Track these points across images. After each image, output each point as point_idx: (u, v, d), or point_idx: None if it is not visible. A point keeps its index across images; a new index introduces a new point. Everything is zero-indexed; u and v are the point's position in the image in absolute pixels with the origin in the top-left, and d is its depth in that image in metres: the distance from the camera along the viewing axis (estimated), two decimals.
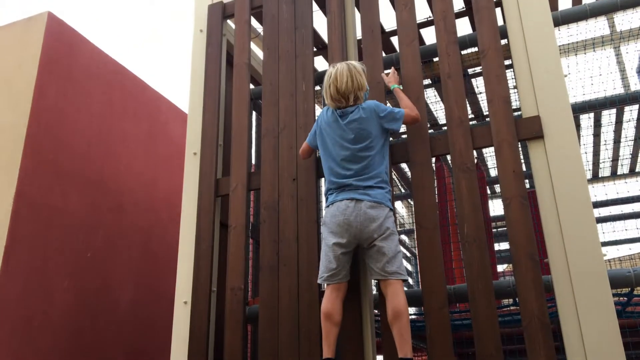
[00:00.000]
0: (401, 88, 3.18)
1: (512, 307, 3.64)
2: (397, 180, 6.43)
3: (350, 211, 2.71)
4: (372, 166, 2.82)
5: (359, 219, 2.69)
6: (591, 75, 4.75)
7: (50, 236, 3.90)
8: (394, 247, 2.71)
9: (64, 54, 4.29)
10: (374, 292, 3.15)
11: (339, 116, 2.91)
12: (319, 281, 2.83)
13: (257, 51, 4.48)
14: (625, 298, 3.33)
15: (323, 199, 4.22)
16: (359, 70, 2.92)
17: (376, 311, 3.08)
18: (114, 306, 4.37)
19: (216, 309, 3.40)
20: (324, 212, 2.91)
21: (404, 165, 5.91)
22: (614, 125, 5.45)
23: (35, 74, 3.99)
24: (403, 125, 2.96)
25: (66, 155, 4.14)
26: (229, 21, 4.13)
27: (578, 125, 5.29)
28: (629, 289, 3.10)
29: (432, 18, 3.84)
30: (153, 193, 5.03)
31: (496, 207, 6.96)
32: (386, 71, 3.34)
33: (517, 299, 2.79)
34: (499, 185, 3.13)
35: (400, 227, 7.11)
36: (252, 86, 3.98)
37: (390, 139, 3.07)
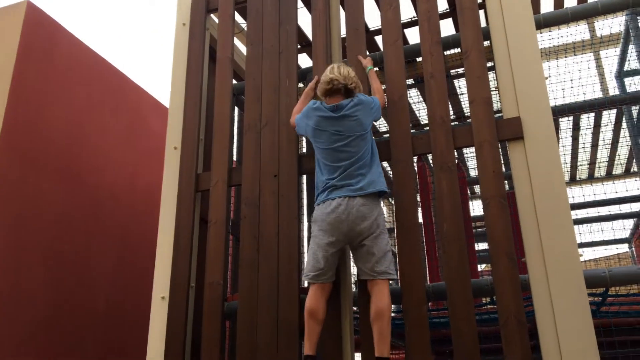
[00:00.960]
0: (376, 69, 3.25)
1: (489, 306, 3.67)
2: None
3: (342, 209, 2.69)
4: (365, 158, 2.81)
5: (350, 217, 2.67)
6: (571, 79, 4.82)
7: (24, 228, 3.83)
8: (384, 246, 2.71)
9: (43, 45, 4.22)
10: (354, 289, 3.15)
11: (332, 110, 2.90)
12: (304, 279, 2.81)
13: (241, 46, 4.45)
14: (600, 298, 3.38)
15: (305, 195, 4.22)
16: (351, 70, 3.01)
17: (355, 308, 3.09)
18: (90, 302, 4.31)
19: (194, 304, 3.37)
20: (306, 210, 2.90)
21: (385, 164, 5.93)
22: (592, 129, 5.52)
23: (13, 64, 3.92)
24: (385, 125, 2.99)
25: (43, 148, 4.07)
26: (212, 15, 4.10)
27: (557, 128, 5.36)
28: (604, 288, 3.14)
29: (416, 18, 3.85)
30: (132, 187, 4.98)
31: (476, 208, 7.02)
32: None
33: (494, 298, 2.81)
34: (478, 186, 3.15)
35: None
36: (234, 81, 3.95)
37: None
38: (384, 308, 2.59)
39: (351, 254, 2.90)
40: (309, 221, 3.77)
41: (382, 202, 2.84)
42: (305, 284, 3.49)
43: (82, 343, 4.17)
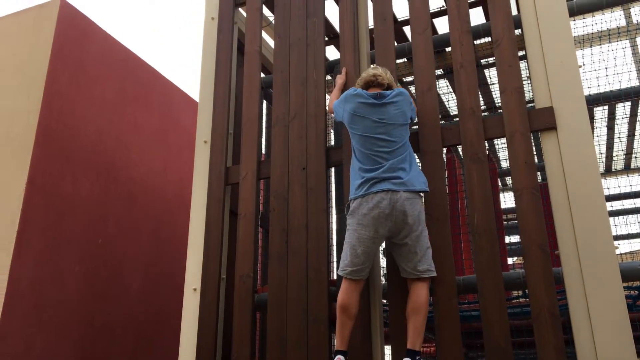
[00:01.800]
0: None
1: (521, 299, 3.62)
2: None
3: (386, 204, 2.61)
4: (406, 152, 2.77)
5: (394, 213, 2.61)
6: (606, 67, 4.69)
7: (61, 223, 3.93)
8: (425, 244, 2.68)
9: (76, 41, 4.30)
10: (383, 282, 3.14)
11: (375, 97, 2.85)
12: (340, 273, 2.74)
13: (268, 39, 4.47)
14: (637, 291, 3.30)
15: (333, 188, 4.22)
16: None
17: (384, 301, 3.08)
18: (124, 293, 4.41)
19: (225, 296, 3.41)
20: (334, 202, 2.88)
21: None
22: (628, 118, 5.37)
23: (48, 61, 4.01)
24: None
25: (77, 143, 4.16)
26: (240, 9, 4.12)
27: (592, 118, 5.23)
28: None
29: (445, 7, 3.80)
30: (163, 181, 5.05)
31: (507, 200, 6.91)
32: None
33: (526, 291, 2.77)
34: (509, 177, 3.10)
35: None
36: (262, 75, 3.97)
37: None
38: (423, 304, 2.59)
39: (384, 247, 2.87)
40: (337, 214, 3.77)
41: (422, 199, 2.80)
42: (335, 276, 3.50)
43: (116, 333, 4.26)
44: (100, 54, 4.53)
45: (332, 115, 3.11)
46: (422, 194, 2.79)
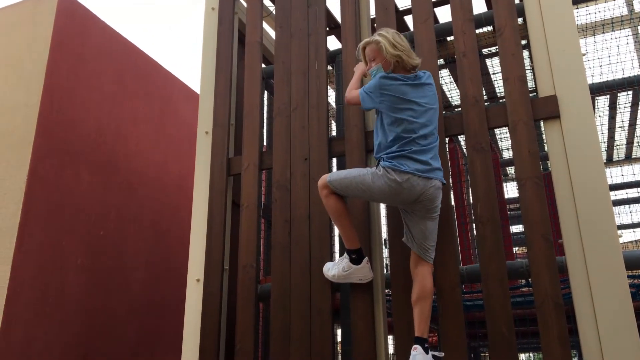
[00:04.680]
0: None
1: (524, 289, 3.63)
2: None
3: (420, 189, 2.56)
4: (436, 138, 2.72)
5: (424, 197, 2.59)
6: (609, 55, 4.66)
7: (63, 215, 3.93)
8: (437, 231, 2.73)
9: (75, 33, 4.28)
10: (386, 272, 3.14)
11: (412, 79, 2.72)
12: (329, 182, 2.75)
13: (269, 30, 4.44)
14: None
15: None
16: None
17: (388, 290, 3.08)
18: (126, 285, 4.41)
19: (228, 287, 3.41)
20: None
21: None
22: (630, 107, 5.36)
23: (47, 52, 3.99)
24: None
25: (77, 136, 4.15)
26: None
27: (594, 107, 5.21)
28: None
29: None
30: (164, 173, 5.05)
31: (509, 190, 6.91)
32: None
33: (530, 280, 2.77)
34: (512, 167, 3.09)
35: None
36: (263, 65, 3.95)
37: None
38: (430, 290, 2.61)
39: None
40: None
41: None
42: None
43: (118, 326, 4.27)
44: (99, 45, 4.51)
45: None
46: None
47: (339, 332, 3.78)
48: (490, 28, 3.81)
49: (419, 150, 2.60)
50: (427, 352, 2.49)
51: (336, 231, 3.84)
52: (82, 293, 3.98)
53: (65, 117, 4.06)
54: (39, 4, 4.20)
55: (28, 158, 3.73)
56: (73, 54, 4.21)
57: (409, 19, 4.34)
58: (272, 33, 4.36)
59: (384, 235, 3.21)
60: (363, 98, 2.77)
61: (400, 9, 4.23)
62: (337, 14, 4.12)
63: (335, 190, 2.74)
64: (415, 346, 2.51)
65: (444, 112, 3.15)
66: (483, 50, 4.37)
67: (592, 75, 4.69)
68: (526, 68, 3.06)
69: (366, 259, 2.83)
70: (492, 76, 4.80)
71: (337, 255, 3.90)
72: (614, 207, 2.79)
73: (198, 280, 3.38)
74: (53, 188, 3.87)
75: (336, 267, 2.88)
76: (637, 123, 5.75)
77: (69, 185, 4.01)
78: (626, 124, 5.73)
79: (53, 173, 3.89)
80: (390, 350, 3.28)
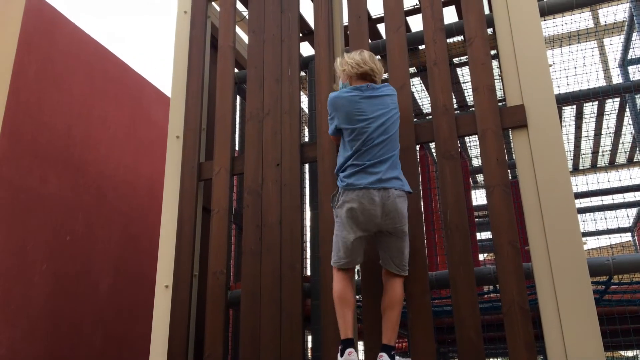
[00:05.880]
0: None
1: (492, 295, 3.68)
2: None
3: (377, 202, 2.55)
4: (394, 148, 2.69)
5: (386, 209, 2.56)
6: (575, 67, 4.79)
7: (29, 219, 3.84)
8: (407, 242, 2.68)
9: (44, 33, 4.20)
10: (357, 277, 3.15)
11: (363, 90, 2.73)
12: (332, 264, 2.70)
13: (242, 35, 4.43)
14: (604, 286, 3.38)
15: (307, 184, 4.21)
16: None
17: (358, 296, 3.09)
18: (93, 291, 4.33)
19: (198, 293, 3.38)
20: (308, 199, 2.84)
21: None
22: (595, 117, 5.50)
23: (14, 52, 3.90)
24: None
25: (45, 138, 4.06)
26: (213, 3, 4.07)
27: (561, 117, 5.33)
28: (607, 277, 3.14)
29: (419, 5, 3.82)
30: (134, 177, 4.98)
31: (477, 198, 7.01)
32: None
33: (497, 286, 2.81)
34: (481, 175, 3.13)
35: None
36: (236, 70, 3.94)
37: None
38: (398, 299, 2.60)
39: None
40: (312, 210, 3.76)
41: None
42: (309, 272, 3.50)
43: (85, 332, 4.18)
44: (68, 46, 4.43)
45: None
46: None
47: (309, 338, 3.77)
48: (460, 38, 3.87)
49: (374, 164, 2.61)
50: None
51: (307, 237, 3.85)
52: (47, 299, 3.89)
53: (33, 119, 3.97)
54: (6, 4, 4.11)
55: None
56: (41, 55, 4.13)
57: (381, 27, 4.38)
58: (245, 38, 4.35)
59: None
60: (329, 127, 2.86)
61: (373, 17, 4.27)
62: (310, 20, 4.13)
63: (336, 264, 2.67)
64: (381, 354, 2.50)
65: (414, 119, 3.17)
66: (454, 59, 4.44)
67: (558, 86, 4.80)
68: (495, 78, 3.12)
69: (349, 350, 2.50)
70: (462, 85, 4.87)
71: (308, 261, 3.89)
72: (579, 215, 2.85)
73: (167, 286, 3.33)
74: (18, 191, 3.78)
75: None
76: (602, 133, 5.90)
77: (36, 189, 3.92)
78: (591, 133, 5.87)
79: (18, 176, 3.80)
80: (361, 356, 3.29)
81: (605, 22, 5.18)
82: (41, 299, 3.85)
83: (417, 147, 3.20)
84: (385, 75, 4.54)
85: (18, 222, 3.75)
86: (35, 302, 3.80)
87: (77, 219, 4.25)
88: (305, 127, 4.94)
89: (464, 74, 4.77)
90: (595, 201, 6.72)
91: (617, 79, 5.46)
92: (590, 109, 5.36)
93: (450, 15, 4.02)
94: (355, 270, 2.93)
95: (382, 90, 2.77)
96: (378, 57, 2.94)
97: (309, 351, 3.75)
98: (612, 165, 6.71)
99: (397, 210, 2.58)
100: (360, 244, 2.66)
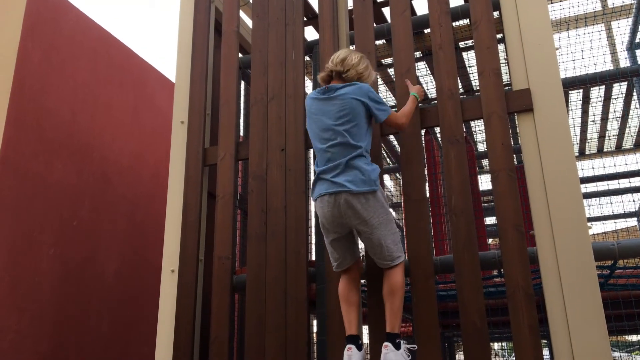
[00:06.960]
0: (419, 100, 2.94)
1: (497, 279, 3.68)
2: (385, 154, 6.42)
3: (332, 206, 2.55)
4: (351, 146, 2.59)
5: (342, 211, 2.54)
6: (582, 50, 4.74)
7: (35, 204, 3.86)
8: (385, 233, 2.57)
9: (48, 19, 4.18)
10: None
11: (323, 92, 2.72)
12: (335, 269, 2.76)
13: (246, 19, 4.40)
14: (608, 271, 3.38)
15: (312, 169, 4.21)
16: (360, 59, 2.78)
17: (363, 281, 3.10)
18: (99, 276, 4.36)
19: (204, 277, 3.40)
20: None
21: (392, 138, 5.90)
22: (602, 101, 5.45)
23: (18, 39, 3.89)
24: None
25: (50, 123, 4.07)
26: None
27: (567, 101, 5.29)
28: (612, 261, 3.14)
29: None
30: (139, 162, 4.99)
31: (483, 183, 7.00)
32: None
33: (502, 271, 2.81)
34: (486, 160, 3.12)
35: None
36: (240, 54, 3.92)
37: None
38: (397, 287, 2.57)
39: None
40: None
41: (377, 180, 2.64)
42: (314, 257, 3.51)
43: (92, 316, 4.23)
44: (73, 32, 4.42)
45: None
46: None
47: (314, 322, 3.79)
48: (466, 21, 3.84)
49: (324, 170, 2.61)
50: (398, 348, 2.47)
51: (312, 222, 3.86)
52: (54, 284, 3.92)
53: (38, 105, 3.97)
54: None
55: None
56: (45, 41, 4.12)
57: (386, 11, 4.35)
58: (249, 22, 4.32)
59: None
60: None
61: (378, 1, 4.23)
62: (314, 4, 4.10)
63: (336, 267, 2.74)
64: (385, 344, 2.48)
65: (420, 104, 3.15)
66: (459, 43, 4.40)
67: (565, 70, 4.76)
68: (501, 61, 3.09)
69: (348, 346, 2.57)
70: (467, 69, 4.84)
71: (313, 246, 3.90)
72: (584, 200, 2.85)
73: (173, 271, 3.36)
74: (25, 176, 3.80)
75: None
76: (609, 117, 5.86)
77: (42, 175, 3.94)
78: (598, 118, 5.83)
79: (24, 162, 3.81)
80: (365, 340, 3.31)
81: (613, 4, 5.12)
82: (48, 284, 3.88)
83: (423, 131, 3.19)
84: (389, 60, 4.53)
85: (24, 208, 3.77)
86: (43, 287, 3.83)
87: (82, 204, 4.28)
88: None
89: (470, 58, 4.74)
90: (601, 186, 6.71)
91: (624, 62, 5.41)
92: (597, 92, 5.31)
93: None
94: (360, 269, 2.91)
95: (338, 91, 2.68)
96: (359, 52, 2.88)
97: (314, 335, 3.78)
98: (619, 149, 6.68)
99: (353, 208, 2.51)
100: (341, 245, 2.69)
